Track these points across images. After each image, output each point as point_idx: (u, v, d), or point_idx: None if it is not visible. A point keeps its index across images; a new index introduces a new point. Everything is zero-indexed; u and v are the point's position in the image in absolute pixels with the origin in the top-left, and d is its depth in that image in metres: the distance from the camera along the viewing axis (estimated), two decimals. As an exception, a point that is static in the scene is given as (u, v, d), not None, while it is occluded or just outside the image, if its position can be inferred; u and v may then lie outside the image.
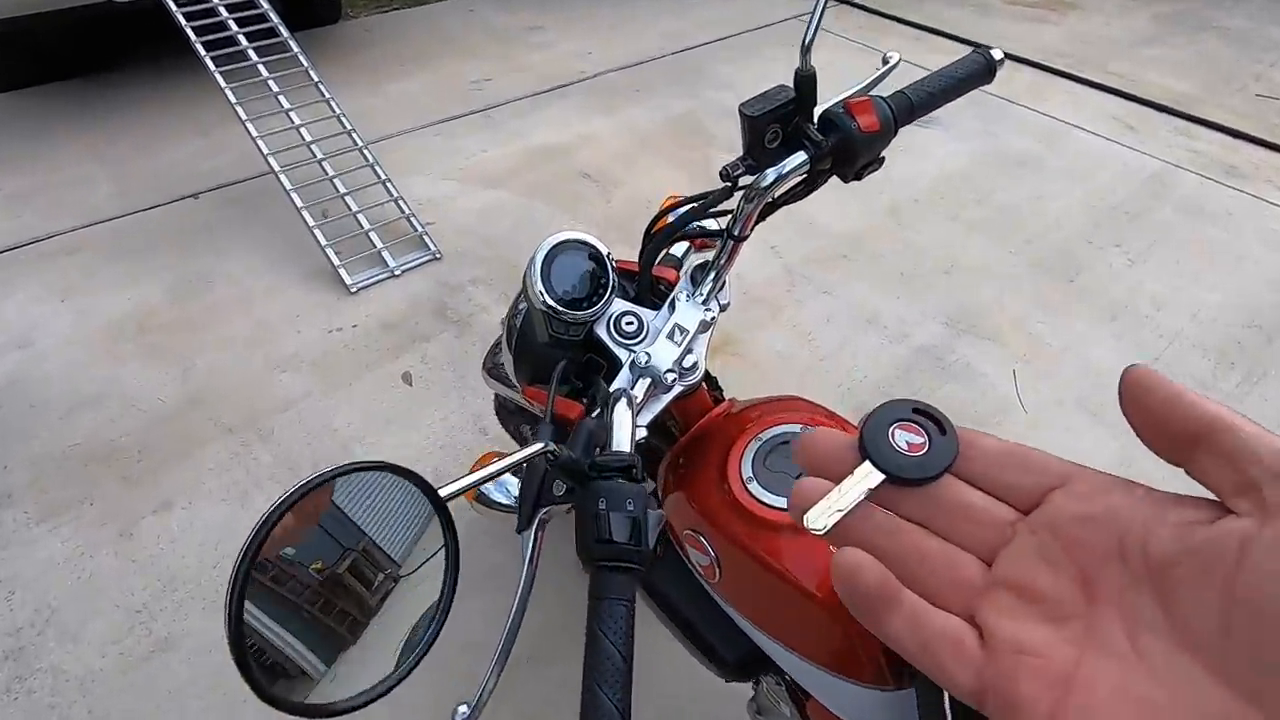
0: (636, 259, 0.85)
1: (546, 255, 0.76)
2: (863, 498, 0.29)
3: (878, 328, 2.12)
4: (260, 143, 2.29)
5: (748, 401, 0.90)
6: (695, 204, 0.75)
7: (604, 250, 0.78)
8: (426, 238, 2.31)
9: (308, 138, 2.38)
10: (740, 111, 0.64)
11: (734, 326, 2.08)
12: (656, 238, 0.79)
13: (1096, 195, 2.70)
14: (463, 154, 2.78)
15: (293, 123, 2.39)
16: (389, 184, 2.37)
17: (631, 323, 0.78)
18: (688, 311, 0.76)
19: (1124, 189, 2.74)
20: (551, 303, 0.75)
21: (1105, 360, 2.04)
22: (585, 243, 0.77)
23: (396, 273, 2.23)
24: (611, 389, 0.68)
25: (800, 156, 0.67)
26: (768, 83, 0.68)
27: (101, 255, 2.28)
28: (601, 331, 0.78)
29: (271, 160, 2.28)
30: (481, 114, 3.04)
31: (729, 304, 0.83)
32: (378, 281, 2.20)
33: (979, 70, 0.68)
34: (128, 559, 1.53)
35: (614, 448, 0.56)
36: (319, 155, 2.36)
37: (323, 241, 2.19)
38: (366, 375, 1.93)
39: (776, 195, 0.71)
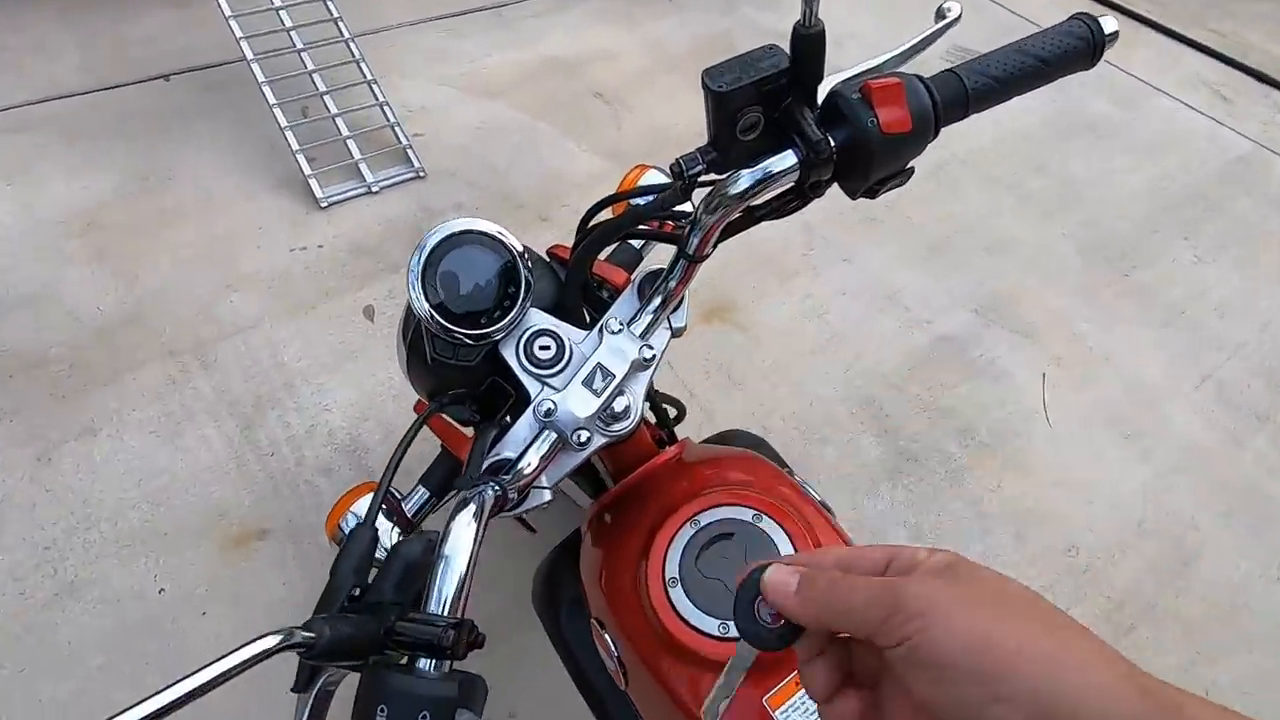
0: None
1: (434, 250, 0.56)
2: (743, 677, 0.33)
3: (899, 308, 1.89)
4: (234, 24, 2.03)
5: (703, 448, 0.71)
6: (641, 203, 0.54)
7: (518, 247, 0.58)
8: (411, 152, 2.07)
9: (288, 22, 2.12)
10: (703, 83, 0.42)
11: (736, 288, 1.87)
12: (593, 235, 0.59)
13: (1172, 175, 2.38)
14: (465, 57, 2.49)
15: (272, 3, 2.12)
16: (375, 85, 2.11)
17: (548, 346, 0.58)
18: (619, 346, 0.57)
19: (1204, 170, 2.42)
20: (437, 316, 0.55)
21: (1150, 373, 1.81)
22: (491, 235, 0.57)
23: (374, 189, 2.01)
24: (465, 481, 0.49)
25: (788, 158, 0.45)
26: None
27: (57, 136, 2.08)
28: (509, 354, 0.59)
29: (245, 45, 2.02)
30: (493, 11, 2.72)
31: (685, 327, 0.63)
32: (352, 197, 1.99)
33: (1077, 50, 0.45)
34: (42, 487, 1.41)
35: (432, 601, 0.38)
36: (299, 44, 2.10)
37: (294, 146, 1.97)
38: (326, 304, 1.75)
39: (752, 205, 0.50)
